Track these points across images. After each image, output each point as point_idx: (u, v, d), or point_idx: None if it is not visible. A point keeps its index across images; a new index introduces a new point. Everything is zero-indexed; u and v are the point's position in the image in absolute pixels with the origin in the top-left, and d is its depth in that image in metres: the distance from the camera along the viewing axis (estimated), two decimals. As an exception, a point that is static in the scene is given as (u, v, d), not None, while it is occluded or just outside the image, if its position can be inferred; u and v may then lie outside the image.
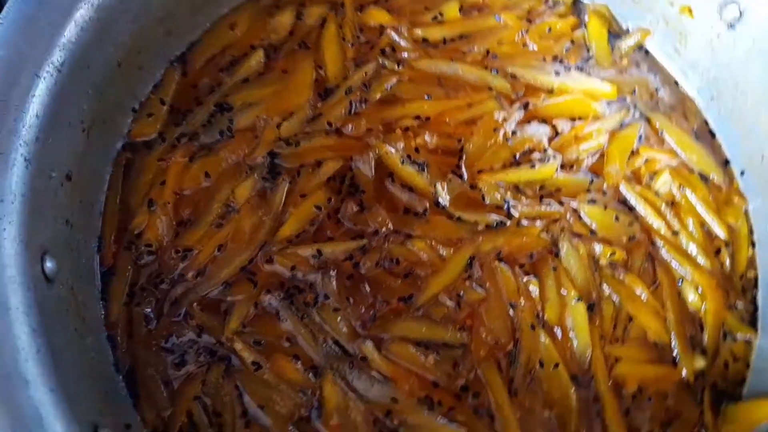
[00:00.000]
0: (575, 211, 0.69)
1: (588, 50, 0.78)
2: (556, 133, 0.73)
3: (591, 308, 0.65)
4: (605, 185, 0.71)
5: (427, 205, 0.67)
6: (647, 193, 0.71)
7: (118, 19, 0.55)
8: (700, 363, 0.66)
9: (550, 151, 0.71)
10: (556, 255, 0.67)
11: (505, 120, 0.72)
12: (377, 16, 0.74)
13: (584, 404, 0.62)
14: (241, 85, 0.68)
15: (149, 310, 0.60)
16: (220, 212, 0.63)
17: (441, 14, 0.76)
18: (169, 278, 0.61)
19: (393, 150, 0.68)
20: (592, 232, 0.69)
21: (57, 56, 0.48)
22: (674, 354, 0.65)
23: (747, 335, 0.68)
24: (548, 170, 0.70)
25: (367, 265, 0.64)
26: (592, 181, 0.71)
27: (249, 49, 0.70)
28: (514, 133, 0.71)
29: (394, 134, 0.69)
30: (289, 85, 0.69)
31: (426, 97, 0.71)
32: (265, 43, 0.71)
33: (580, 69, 0.76)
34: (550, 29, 0.77)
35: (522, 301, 0.65)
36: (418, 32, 0.74)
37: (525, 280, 0.65)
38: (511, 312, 0.64)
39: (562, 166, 0.71)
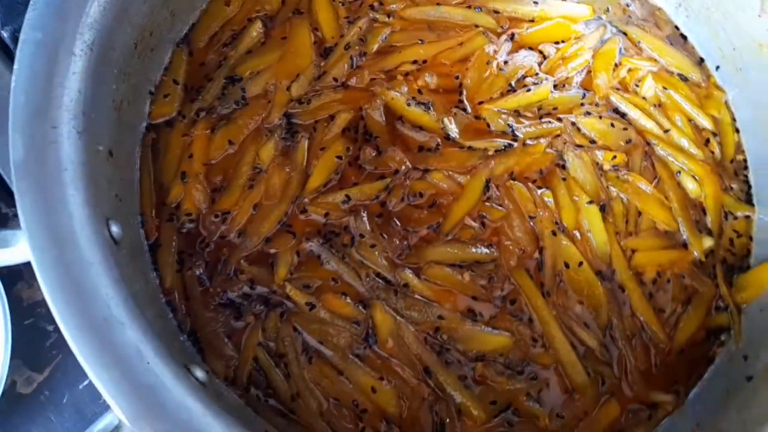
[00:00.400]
0: (573, 125, 0.74)
1: (560, -25, 0.82)
2: (544, 58, 0.77)
3: (603, 209, 0.70)
4: (596, 98, 0.75)
5: (439, 140, 0.71)
6: (635, 99, 0.76)
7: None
8: (708, 243, 0.71)
9: (541, 75, 0.76)
10: (563, 167, 0.71)
11: (495, 53, 0.76)
12: (360, -27, 0.77)
13: (611, 295, 0.67)
14: (245, 57, 0.71)
15: (200, 272, 0.63)
16: (250, 174, 0.67)
17: (420, -39, 0.79)
18: (213, 241, 0.64)
19: (398, 94, 0.71)
20: (592, 141, 0.73)
21: (87, 35, 0.51)
22: (684, 238, 0.70)
23: (745, 212, 0.73)
24: (543, 92, 0.74)
25: (393, 201, 0.68)
26: (584, 95, 0.75)
27: (247, 22, 0.73)
28: (505, 63, 0.75)
29: (396, 80, 0.72)
30: (291, 50, 0.72)
31: (419, 41, 0.75)
32: (261, 14, 0.73)
33: (556, -6, 0.80)
34: (523, -38, 0.81)
35: (539, 212, 0.69)
36: (402, -18, 0.78)
37: (539, 193, 0.70)
38: (531, 223, 0.69)
39: (555, 86, 0.75)
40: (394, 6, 0.76)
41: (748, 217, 0.73)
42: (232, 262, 0.63)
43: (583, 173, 0.71)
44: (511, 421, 0.61)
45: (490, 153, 0.71)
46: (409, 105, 0.71)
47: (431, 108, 0.72)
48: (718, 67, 0.79)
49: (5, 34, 0.70)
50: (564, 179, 0.71)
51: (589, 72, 0.77)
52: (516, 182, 0.70)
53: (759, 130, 0.75)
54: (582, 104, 0.75)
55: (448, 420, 0.60)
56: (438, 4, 0.77)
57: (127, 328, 0.43)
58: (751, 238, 0.72)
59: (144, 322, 0.45)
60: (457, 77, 0.74)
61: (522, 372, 0.63)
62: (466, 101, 0.73)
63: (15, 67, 0.47)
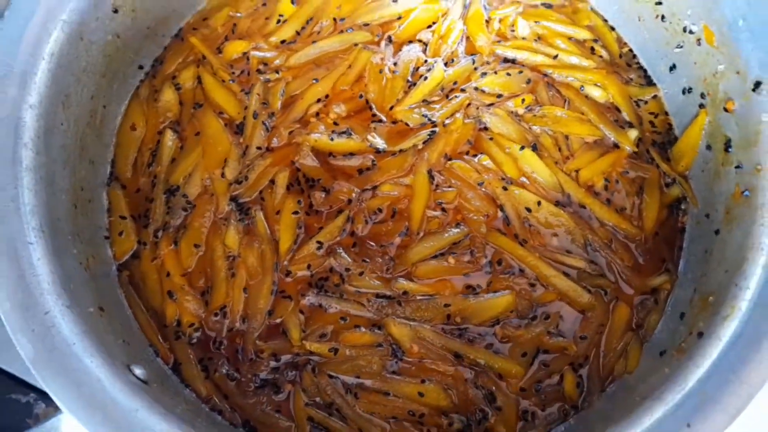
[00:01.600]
0: (477, 89, 0.78)
1: (405, -30, 0.86)
2: (425, 45, 0.82)
3: (534, 148, 0.75)
4: (485, 57, 0.80)
5: (372, 156, 0.75)
6: (517, 43, 0.81)
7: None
8: (633, 134, 0.76)
9: (430, 60, 0.80)
10: (486, 128, 0.76)
11: (382, 60, 0.80)
12: (235, 47, 0.81)
13: (577, 217, 0.72)
14: (172, 166, 0.74)
15: (226, 369, 0.66)
16: (227, 265, 0.69)
17: (281, 15, 0.83)
18: (224, 337, 0.67)
19: (318, 135, 0.75)
20: (499, 95, 0.78)
21: (33, 223, 0.54)
22: (612, 140, 0.76)
23: (651, 93, 0.79)
24: (438, 74, 0.79)
25: (360, 227, 0.71)
26: (473, 61, 0.80)
27: (158, 136, 0.76)
28: (395, 64, 0.80)
29: (311, 124, 0.76)
30: (209, 141, 0.75)
31: (314, 81, 0.79)
32: (167, 123, 0.76)
33: (409, -13, 0.85)
34: (367, -27, 0.85)
35: (485, 176, 0.74)
36: (274, 39, 0.81)
37: (477, 160, 0.75)
38: (482, 189, 0.73)
39: (446, 64, 0.80)
40: (278, 61, 0.80)
41: (655, 96, 0.79)
42: (249, 347, 0.66)
43: (504, 126, 0.76)
44: (545, 362, 0.66)
45: (420, 147, 0.75)
46: (332, 139, 0.75)
47: (352, 133, 0.76)
48: (571, -16, 0.85)
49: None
50: (491, 138, 0.76)
51: (468, 38, 0.82)
52: (453, 161, 0.75)
53: (628, 20, 0.81)
54: (476, 68, 0.80)
55: (494, 387, 0.65)
56: (314, 42, 0.81)
57: None
58: (666, 113, 0.78)
59: (201, 437, 0.48)
60: (361, 96, 0.78)
61: (535, 317, 0.68)
62: (378, 113, 0.77)
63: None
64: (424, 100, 0.78)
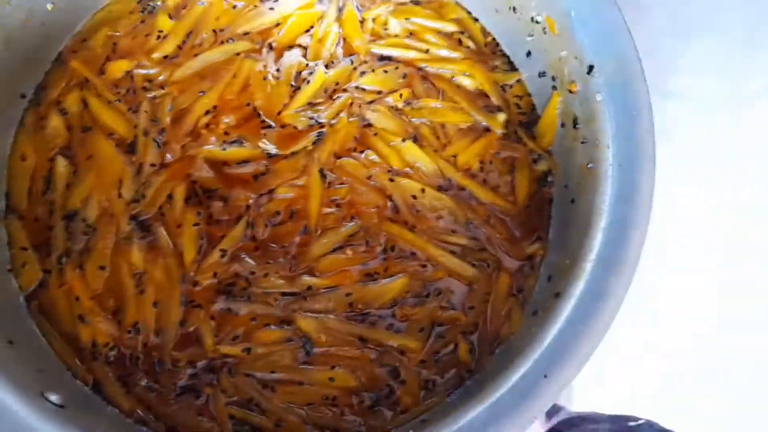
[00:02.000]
0: (357, 88, 0.83)
1: (277, -24, 0.89)
2: (305, 49, 0.85)
3: (415, 140, 0.81)
4: (362, 57, 0.85)
5: (265, 161, 0.78)
6: (391, 41, 0.87)
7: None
8: (501, 117, 0.83)
9: (311, 64, 0.84)
10: (369, 125, 0.82)
11: (265, 67, 0.83)
12: (117, 67, 0.81)
13: (458, 198, 0.79)
14: (67, 192, 0.75)
15: (146, 382, 0.69)
16: (134, 282, 0.72)
17: (160, 31, 0.84)
18: (140, 352, 0.70)
19: (211, 147, 0.78)
20: (379, 92, 0.83)
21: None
22: (483, 125, 0.83)
23: (514, 78, 0.87)
24: (319, 77, 0.83)
25: (260, 231, 0.75)
26: (351, 61, 0.85)
27: (49, 163, 0.76)
28: (278, 70, 0.83)
29: (202, 136, 0.79)
30: (102, 163, 0.76)
31: (201, 93, 0.81)
32: (58, 148, 0.76)
33: (283, -6, 0.88)
34: (241, -16, 0.88)
35: (372, 170, 0.79)
36: (156, 55, 0.83)
37: (364, 155, 0.80)
38: (372, 182, 0.79)
39: (327, 66, 0.84)
40: (162, 77, 0.81)
41: (518, 81, 0.86)
42: (165, 359, 0.69)
43: (386, 121, 0.82)
44: (440, 333, 0.73)
45: (310, 148, 0.80)
46: (224, 149, 0.78)
47: (244, 141, 0.79)
48: (435, -20, 0.91)
49: None
50: (375, 134, 0.81)
51: (345, 40, 0.86)
52: (342, 159, 0.80)
53: (488, 11, 0.88)
54: (355, 68, 0.84)
55: (397, 363, 0.71)
56: (195, 55, 0.83)
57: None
58: (529, 95, 0.86)
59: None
60: (248, 104, 0.82)
61: (428, 295, 0.75)
62: (267, 119, 0.81)
63: None
64: (309, 103, 0.82)
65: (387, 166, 0.80)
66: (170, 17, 0.84)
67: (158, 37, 0.84)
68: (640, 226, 0.61)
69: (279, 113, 0.81)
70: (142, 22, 0.85)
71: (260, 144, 0.79)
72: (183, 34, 0.84)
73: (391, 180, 0.79)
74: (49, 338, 0.69)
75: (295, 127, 0.81)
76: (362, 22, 0.87)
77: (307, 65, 0.84)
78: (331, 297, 0.73)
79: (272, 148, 0.79)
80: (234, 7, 0.86)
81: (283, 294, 0.73)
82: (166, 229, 0.74)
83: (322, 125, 0.81)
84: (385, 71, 0.84)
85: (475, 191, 0.79)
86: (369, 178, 0.79)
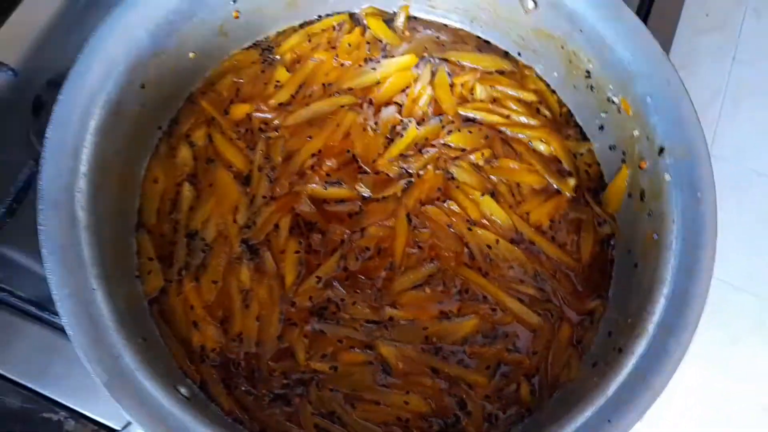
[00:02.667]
0: (444, 144, 0.93)
1: (381, 41, 1.00)
2: (401, 106, 0.96)
3: (493, 195, 0.90)
4: (450, 117, 0.95)
5: (359, 203, 0.88)
6: (476, 104, 0.96)
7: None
8: (572, 181, 0.91)
9: (405, 120, 0.94)
10: (453, 178, 0.91)
11: (365, 119, 0.94)
12: (239, 109, 0.92)
13: (528, 252, 0.87)
14: (191, 213, 0.85)
15: (245, 387, 0.77)
16: (241, 298, 0.81)
17: (278, 81, 0.95)
18: (242, 359, 0.79)
19: (314, 185, 0.88)
20: (463, 150, 0.93)
21: (95, 274, 0.65)
22: (555, 187, 0.91)
23: (586, 147, 0.95)
24: (411, 132, 0.92)
25: (351, 263, 0.84)
26: (441, 120, 0.94)
27: (177, 187, 0.87)
28: (376, 123, 0.94)
29: (307, 175, 0.89)
30: (221, 191, 0.87)
31: (309, 138, 0.91)
32: (185, 175, 0.87)
33: (385, 56, 0.99)
34: (349, 44, 0.99)
35: (452, 219, 0.88)
36: (272, 102, 0.94)
37: (446, 205, 0.89)
38: (451, 230, 0.88)
39: (418, 123, 0.94)
40: (277, 121, 0.92)
41: (589, 150, 0.94)
42: (263, 367, 0.78)
43: (468, 176, 0.90)
44: (505, 373, 0.80)
45: (399, 194, 0.89)
46: (326, 189, 0.88)
47: (342, 183, 0.89)
48: (519, 54, 1.00)
49: None
50: (458, 187, 0.90)
51: (435, 101, 0.96)
52: (427, 206, 0.89)
53: (566, 86, 0.97)
54: (443, 126, 0.94)
55: (465, 395, 0.79)
56: (307, 104, 0.94)
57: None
58: (598, 164, 0.94)
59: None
60: (348, 151, 0.92)
61: (496, 336, 0.82)
62: (364, 165, 0.91)
63: (64, 320, 0.60)
64: (401, 155, 0.92)
65: (466, 216, 0.88)
66: (287, 70, 0.96)
67: (275, 86, 0.95)
68: (700, 296, 0.67)
69: (374, 161, 0.91)
70: (263, 72, 0.96)
71: (357, 187, 0.88)
72: (296, 85, 0.95)
73: (469, 229, 0.87)
74: (167, 340, 0.78)
75: (388, 175, 0.90)
76: (452, 86, 0.97)
77: (401, 121, 0.94)
78: (410, 329, 0.81)
79: (366, 192, 0.88)
80: (342, 65, 0.97)
81: (368, 321, 0.81)
82: (271, 254, 0.83)
83: (411, 175, 0.90)
84: (470, 131, 0.93)
85: (544, 247, 0.87)
86: (449, 225, 0.87)
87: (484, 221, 0.88)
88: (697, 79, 2.01)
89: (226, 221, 0.85)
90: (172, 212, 0.86)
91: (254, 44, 0.98)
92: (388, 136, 0.93)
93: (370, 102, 0.95)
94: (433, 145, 0.92)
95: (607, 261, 0.87)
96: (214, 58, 0.95)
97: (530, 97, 0.98)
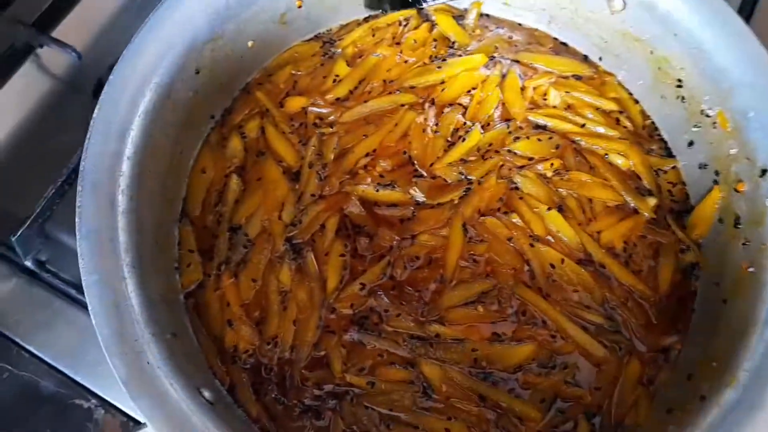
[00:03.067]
0: (510, 152, 0.85)
1: (449, 39, 0.94)
2: (465, 108, 0.89)
3: (561, 210, 0.81)
4: (518, 123, 0.87)
5: (412, 208, 0.81)
6: (549, 110, 0.88)
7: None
8: (652, 201, 0.82)
9: (468, 123, 0.87)
10: (516, 188, 0.83)
11: (426, 120, 0.87)
12: (295, 102, 0.88)
13: (597, 275, 0.78)
14: (236, 207, 0.82)
15: (275, 394, 0.72)
16: (280, 299, 0.76)
17: (337, 75, 0.91)
18: (275, 364, 0.74)
19: (366, 186, 0.82)
20: (530, 158, 0.85)
21: (127, 259, 0.62)
22: (632, 205, 0.82)
23: (671, 164, 0.85)
24: (475, 136, 0.85)
25: (399, 272, 0.78)
26: (508, 125, 0.87)
27: (225, 179, 0.83)
28: (437, 125, 0.87)
29: (359, 176, 0.83)
30: (269, 186, 0.83)
31: (364, 136, 0.86)
32: (233, 168, 0.84)
33: (452, 55, 0.93)
34: (415, 41, 0.93)
35: (513, 232, 0.80)
36: (330, 96, 0.89)
37: (507, 217, 0.81)
38: (511, 244, 0.80)
39: (483, 127, 0.87)
40: (333, 117, 0.87)
41: (674, 167, 0.85)
42: (296, 375, 0.73)
43: (534, 188, 0.82)
44: (561, 409, 0.71)
45: (456, 201, 0.82)
46: (377, 191, 0.82)
47: (396, 186, 0.83)
48: (600, 58, 0.91)
49: (29, 263, 0.81)
50: (521, 198, 0.82)
51: (503, 104, 0.89)
52: (486, 217, 0.81)
53: (652, 96, 0.87)
54: (509, 132, 0.87)
55: (514, 429, 0.70)
56: (365, 101, 0.89)
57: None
58: (684, 184, 0.84)
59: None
60: (404, 152, 0.86)
61: (554, 366, 0.73)
62: (420, 168, 0.84)
63: (90, 307, 0.57)
64: (461, 159, 0.85)
65: (529, 231, 0.80)
66: (347, 64, 0.91)
67: (334, 80, 0.90)
68: (805, 342, 0.57)
69: (432, 164, 0.84)
70: (322, 65, 0.92)
71: (410, 191, 0.82)
72: (356, 80, 0.90)
73: (531, 245, 0.79)
74: (198, 336, 0.74)
75: (445, 180, 0.83)
76: (523, 89, 0.89)
77: (464, 123, 0.87)
78: (458, 349, 0.74)
79: (421, 197, 0.82)
80: (405, 61, 0.92)
81: (412, 336, 0.75)
82: (315, 255, 0.78)
83: (470, 182, 0.83)
84: (539, 139, 0.85)
85: (616, 271, 0.78)
86: (509, 239, 0.80)
87: (549, 238, 0.80)
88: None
89: (271, 217, 0.81)
90: (217, 204, 0.82)
91: (316, 36, 0.94)
92: (449, 139, 0.86)
93: (432, 102, 0.89)
94: (497, 152, 0.85)
95: (690, 293, 0.77)
96: (273, 48, 0.91)
97: (610, 105, 0.89)
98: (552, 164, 0.83)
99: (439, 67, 0.90)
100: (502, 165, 0.84)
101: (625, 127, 0.87)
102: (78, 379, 0.81)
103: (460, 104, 0.89)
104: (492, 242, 0.80)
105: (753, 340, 0.59)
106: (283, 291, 0.77)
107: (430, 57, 0.92)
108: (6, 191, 0.87)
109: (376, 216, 0.81)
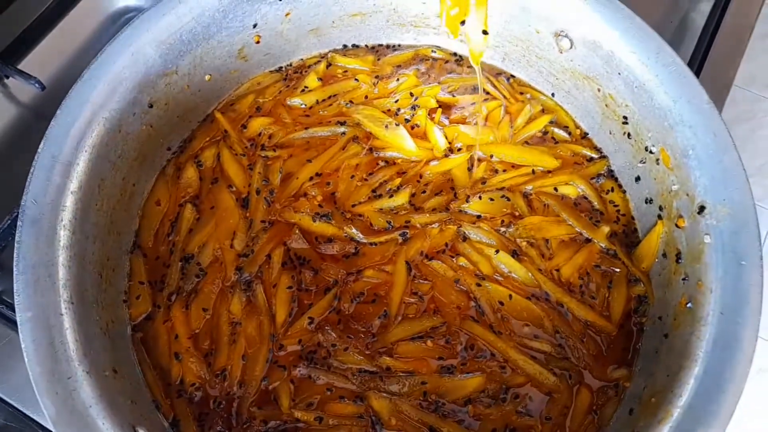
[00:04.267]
0: (461, 211, 0.83)
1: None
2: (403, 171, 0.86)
3: (515, 254, 0.80)
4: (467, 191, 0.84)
5: (354, 243, 0.81)
6: (498, 178, 0.85)
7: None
8: (605, 229, 0.80)
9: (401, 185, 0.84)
10: (465, 239, 0.81)
11: (356, 166, 0.85)
12: (258, 123, 0.88)
13: (550, 308, 0.77)
14: (189, 236, 0.80)
15: (219, 428, 0.71)
16: (230, 330, 0.75)
17: (306, 86, 0.91)
18: (223, 398, 0.72)
19: (303, 214, 0.81)
20: (478, 216, 0.82)
21: (65, 295, 0.61)
22: (586, 236, 0.81)
23: (610, 185, 0.84)
24: (402, 200, 0.82)
25: (346, 306, 0.77)
26: (455, 193, 0.84)
27: (179, 208, 0.82)
28: (370, 174, 0.86)
29: (299, 201, 0.82)
30: (221, 214, 0.82)
31: (307, 161, 0.85)
32: (188, 198, 0.83)
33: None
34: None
35: (460, 273, 0.79)
36: (295, 100, 0.89)
37: (454, 260, 0.80)
38: (457, 285, 0.79)
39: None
40: (276, 140, 0.87)
41: (623, 198, 0.85)
42: (243, 412, 0.71)
43: (486, 237, 0.81)
44: (513, 440, 0.70)
45: (399, 242, 0.81)
46: (315, 221, 0.81)
47: (332, 218, 0.81)
48: (553, 95, 0.92)
49: None
50: (468, 242, 0.81)
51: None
52: (430, 260, 0.80)
53: (600, 131, 0.87)
54: (456, 198, 0.84)
55: (463, 461, 0.69)
56: (306, 128, 0.88)
57: None
58: (633, 218, 0.83)
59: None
60: (328, 183, 0.84)
61: (505, 398, 0.73)
62: (340, 207, 0.83)
63: (22, 345, 0.56)
64: (390, 209, 0.83)
65: (476, 270, 0.79)
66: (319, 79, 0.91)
67: (303, 90, 0.91)
68: (737, 381, 0.57)
69: (353, 206, 0.83)
70: (288, 87, 0.91)
71: (346, 228, 0.81)
72: (327, 94, 0.91)
73: (479, 285, 0.78)
74: (144, 369, 0.73)
75: (371, 224, 0.82)
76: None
77: (399, 186, 0.84)
78: (407, 381, 0.73)
79: (358, 235, 0.81)
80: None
81: (361, 370, 0.74)
82: (263, 287, 0.77)
83: (406, 226, 0.82)
84: (491, 199, 0.83)
85: (573, 309, 0.77)
86: (456, 282, 0.79)
87: (497, 276, 0.79)
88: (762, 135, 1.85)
89: (224, 246, 0.80)
90: (170, 234, 0.81)
91: (278, 69, 0.94)
92: (374, 189, 0.85)
93: (371, 150, 0.87)
94: (447, 209, 0.83)
95: (638, 326, 0.77)
96: (232, 82, 0.91)
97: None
98: (502, 221, 0.82)
99: (397, 125, 0.88)
100: (449, 219, 0.82)
101: (570, 154, 0.87)
102: (28, 413, 0.78)
103: (396, 163, 0.87)
104: (437, 282, 0.79)
105: (687, 377, 0.59)
106: (234, 322, 0.76)
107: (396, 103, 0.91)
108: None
109: (319, 249, 0.81)
